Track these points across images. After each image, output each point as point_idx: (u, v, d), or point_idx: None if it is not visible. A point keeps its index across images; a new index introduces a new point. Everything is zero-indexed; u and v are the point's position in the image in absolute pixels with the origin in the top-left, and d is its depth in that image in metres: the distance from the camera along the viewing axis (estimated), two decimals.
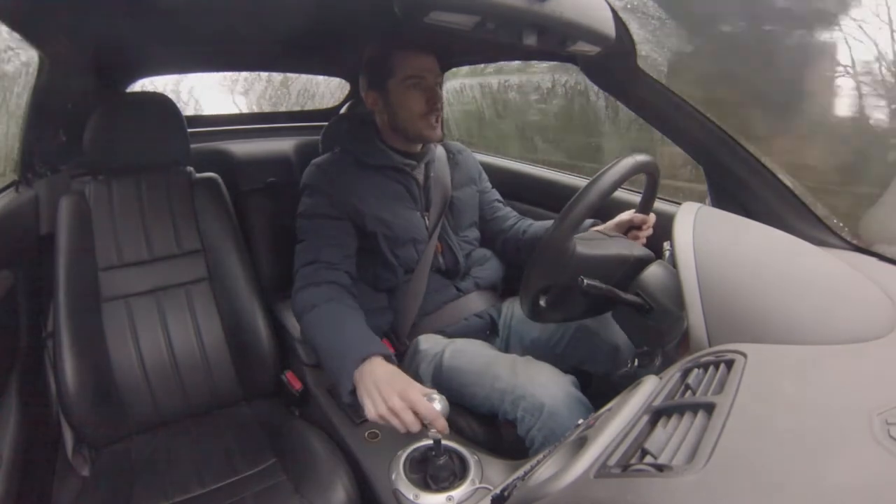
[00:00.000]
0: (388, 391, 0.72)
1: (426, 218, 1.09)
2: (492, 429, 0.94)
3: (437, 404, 0.69)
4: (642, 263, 0.81)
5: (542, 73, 2.01)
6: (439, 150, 1.16)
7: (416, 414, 0.70)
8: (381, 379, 0.74)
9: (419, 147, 1.09)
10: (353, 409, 0.97)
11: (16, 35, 0.87)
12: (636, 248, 0.84)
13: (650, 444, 0.41)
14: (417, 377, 0.95)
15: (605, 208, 0.78)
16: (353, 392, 0.78)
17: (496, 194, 1.28)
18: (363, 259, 1.05)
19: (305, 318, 0.93)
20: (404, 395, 0.71)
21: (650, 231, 0.96)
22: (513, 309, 1.15)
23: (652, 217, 0.96)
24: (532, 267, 0.77)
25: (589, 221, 1.02)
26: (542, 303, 0.81)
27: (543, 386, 0.83)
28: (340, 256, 0.99)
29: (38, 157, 1.21)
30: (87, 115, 1.09)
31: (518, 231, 1.21)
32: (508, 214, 1.25)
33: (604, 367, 1.01)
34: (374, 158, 1.06)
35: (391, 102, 1.02)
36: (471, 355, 0.97)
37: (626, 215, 0.97)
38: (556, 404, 0.80)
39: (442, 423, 0.69)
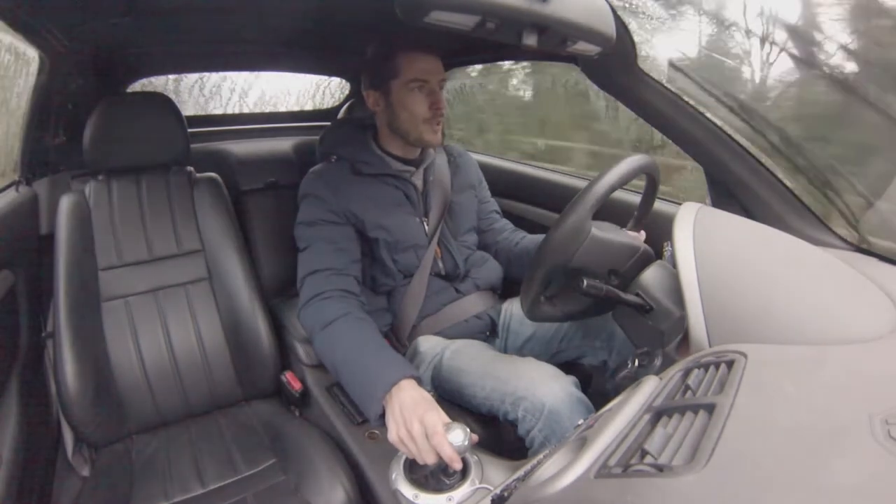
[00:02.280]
0: (410, 416, 0.71)
1: (425, 223, 1.08)
2: (492, 429, 0.94)
3: (456, 436, 0.66)
4: (647, 259, 0.81)
5: None
6: (439, 154, 1.16)
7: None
8: (406, 404, 0.73)
9: (417, 152, 1.09)
10: (355, 409, 0.97)
11: None
12: (643, 245, 0.85)
13: (650, 445, 0.41)
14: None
15: (605, 209, 0.78)
16: (382, 415, 0.77)
17: (494, 205, 1.28)
18: (362, 263, 1.04)
19: (320, 336, 0.89)
20: (424, 422, 0.69)
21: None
22: (511, 309, 1.15)
23: (642, 234, 0.96)
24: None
25: None
26: (542, 301, 0.81)
27: (545, 386, 0.83)
28: (347, 261, 0.98)
29: (38, 157, 1.21)
30: (87, 115, 1.09)
31: (511, 243, 1.21)
32: (504, 227, 1.26)
33: (601, 357, 1.01)
34: (370, 167, 1.05)
35: (392, 103, 1.01)
36: (470, 356, 0.97)
37: None
38: (556, 404, 0.80)
39: (455, 461, 0.66)
